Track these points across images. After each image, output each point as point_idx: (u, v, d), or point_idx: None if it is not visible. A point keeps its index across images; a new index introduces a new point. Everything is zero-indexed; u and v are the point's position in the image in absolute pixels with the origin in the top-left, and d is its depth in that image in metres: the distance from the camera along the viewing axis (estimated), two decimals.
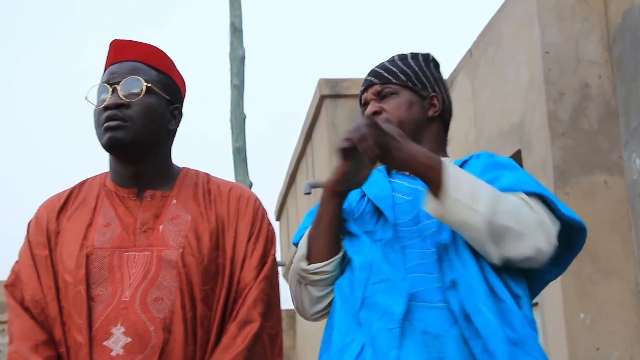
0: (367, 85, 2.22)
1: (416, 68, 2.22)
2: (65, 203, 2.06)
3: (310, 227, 2.06)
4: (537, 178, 4.74)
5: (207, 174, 2.12)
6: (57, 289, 1.96)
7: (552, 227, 1.91)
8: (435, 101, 2.19)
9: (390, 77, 2.19)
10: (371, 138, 1.88)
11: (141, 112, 1.98)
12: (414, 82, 2.19)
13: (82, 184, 2.11)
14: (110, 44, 2.08)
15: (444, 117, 2.22)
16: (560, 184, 4.57)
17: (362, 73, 2.26)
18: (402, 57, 2.24)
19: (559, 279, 4.42)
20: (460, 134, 6.18)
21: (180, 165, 2.14)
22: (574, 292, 4.45)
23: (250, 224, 2.03)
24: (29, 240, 2.04)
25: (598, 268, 4.48)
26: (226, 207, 2.04)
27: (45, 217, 2.05)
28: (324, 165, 9.00)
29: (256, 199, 2.09)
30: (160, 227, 1.97)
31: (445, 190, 1.86)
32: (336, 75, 13.23)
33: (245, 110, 8.35)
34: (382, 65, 2.24)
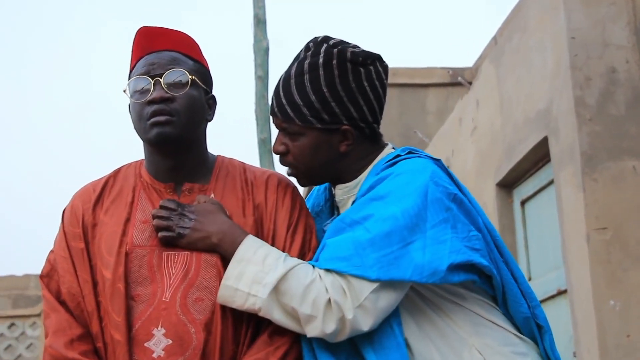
0: (272, 113, 2.06)
1: (325, 91, 1.97)
2: (101, 194, 2.02)
3: None
4: (564, 165, 4.74)
5: (242, 163, 2.08)
6: (94, 283, 1.93)
7: (346, 302, 1.83)
8: (348, 134, 2.00)
9: (293, 115, 1.99)
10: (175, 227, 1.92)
11: (186, 106, 1.94)
12: (320, 119, 1.98)
13: (116, 173, 2.06)
14: (139, 31, 2.01)
15: (366, 131, 2.04)
16: (587, 170, 4.53)
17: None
18: (312, 68, 1.99)
19: (587, 265, 4.41)
20: (486, 122, 6.15)
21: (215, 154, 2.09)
22: (604, 278, 4.41)
23: (288, 214, 1.99)
24: (64, 231, 2.00)
25: (628, 254, 4.45)
26: (264, 197, 2.00)
27: (81, 207, 2.00)
28: None
29: (294, 187, 2.05)
30: None
31: (225, 279, 1.88)
32: None
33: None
34: (286, 93, 2.01)
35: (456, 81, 8.69)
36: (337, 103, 1.98)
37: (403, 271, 1.82)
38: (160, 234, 1.92)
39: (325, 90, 1.97)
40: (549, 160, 5.17)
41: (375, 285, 1.83)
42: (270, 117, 2.15)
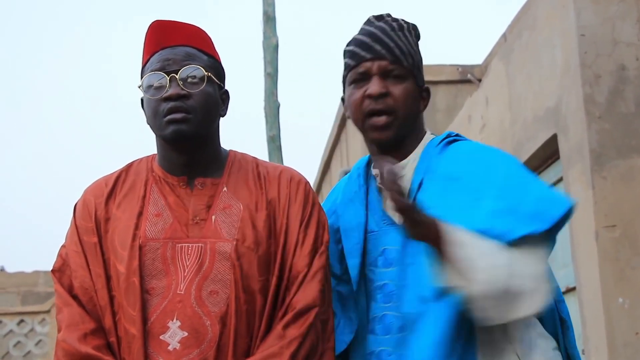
0: (375, 56, 2.00)
1: (416, 49, 2.03)
2: (113, 188, 2.02)
3: None
4: (573, 162, 4.73)
5: (255, 158, 2.09)
6: (108, 278, 1.93)
7: (545, 267, 1.85)
8: (425, 94, 2.07)
9: (402, 57, 2.00)
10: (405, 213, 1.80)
11: (202, 103, 1.94)
12: (418, 69, 2.03)
13: (128, 168, 2.06)
14: (152, 25, 2.00)
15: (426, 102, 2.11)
16: (597, 168, 4.53)
17: None
18: (401, 27, 2.02)
19: (596, 263, 4.41)
20: (496, 119, 6.15)
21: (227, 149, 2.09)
22: (612, 276, 4.41)
23: (301, 209, 1.99)
24: (76, 225, 2.00)
25: (636, 252, 4.44)
26: (276, 192, 2.00)
27: (93, 202, 2.00)
28: (359, 152, 9.00)
29: (306, 182, 2.05)
30: (213, 217, 1.94)
31: (465, 271, 1.80)
32: None
33: (279, 99, 8.36)
34: (389, 36, 2.01)
35: (465, 78, 8.68)
36: (420, 62, 2.06)
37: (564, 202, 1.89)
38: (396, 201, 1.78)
39: (416, 44, 2.04)
40: (558, 158, 5.17)
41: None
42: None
